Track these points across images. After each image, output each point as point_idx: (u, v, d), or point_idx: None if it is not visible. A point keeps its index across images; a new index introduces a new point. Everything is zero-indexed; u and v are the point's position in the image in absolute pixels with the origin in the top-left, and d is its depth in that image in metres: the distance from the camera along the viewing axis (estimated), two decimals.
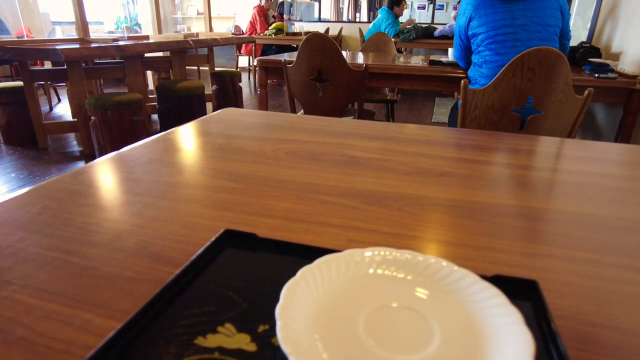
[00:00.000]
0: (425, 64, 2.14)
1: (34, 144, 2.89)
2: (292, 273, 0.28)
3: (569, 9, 1.69)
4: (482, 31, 1.66)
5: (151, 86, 4.34)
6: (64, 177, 0.53)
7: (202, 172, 0.55)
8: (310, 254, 0.34)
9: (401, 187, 0.51)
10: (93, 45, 2.59)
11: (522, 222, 0.44)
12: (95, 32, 3.29)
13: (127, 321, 0.26)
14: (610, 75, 1.80)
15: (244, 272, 0.32)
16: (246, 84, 5.69)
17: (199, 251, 0.33)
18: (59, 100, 4.46)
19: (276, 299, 0.26)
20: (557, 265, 0.37)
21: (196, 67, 5.36)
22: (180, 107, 3.02)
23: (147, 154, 0.62)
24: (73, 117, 2.92)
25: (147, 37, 3.36)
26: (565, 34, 1.70)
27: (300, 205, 0.46)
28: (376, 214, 0.44)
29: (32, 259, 0.35)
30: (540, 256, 0.38)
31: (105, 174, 0.55)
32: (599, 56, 2.16)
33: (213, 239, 0.35)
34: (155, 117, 3.56)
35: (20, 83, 2.91)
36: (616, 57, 2.22)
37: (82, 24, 2.88)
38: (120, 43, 2.75)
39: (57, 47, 2.37)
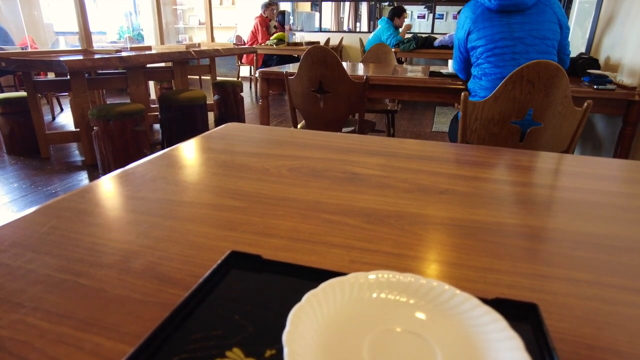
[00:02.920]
0: (425, 75, 2.16)
1: (37, 154, 2.91)
2: (297, 295, 0.29)
3: (568, 23, 1.71)
4: (481, 44, 1.68)
5: (153, 96, 4.37)
6: (71, 196, 0.54)
7: (207, 189, 0.56)
8: (315, 276, 0.34)
9: (402, 206, 0.52)
10: (96, 56, 2.62)
11: (522, 241, 0.45)
12: (97, 43, 3.33)
13: (138, 346, 0.26)
14: (609, 86, 1.82)
15: (249, 295, 0.33)
16: (247, 94, 5.73)
17: (206, 274, 0.34)
18: (62, 109, 4.50)
19: (282, 323, 0.27)
20: (557, 286, 0.37)
21: (198, 77, 5.40)
22: (182, 117, 3.05)
23: (152, 171, 0.63)
24: (75, 127, 2.94)
25: (149, 48, 3.40)
26: (563, 47, 1.71)
27: (303, 225, 0.46)
28: (378, 234, 0.45)
29: (42, 280, 0.36)
30: (540, 277, 0.39)
31: (111, 192, 0.56)
32: (598, 67, 2.18)
33: (219, 261, 0.36)
34: (157, 126, 3.59)
35: (23, 93, 2.94)
36: (615, 68, 2.24)
37: (85, 35, 2.92)
38: (123, 54, 2.78)
39: (61, 58, 2.40)
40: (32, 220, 0.47)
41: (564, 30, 1.67)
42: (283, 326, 0.26)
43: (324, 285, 0.30)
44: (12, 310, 0.32)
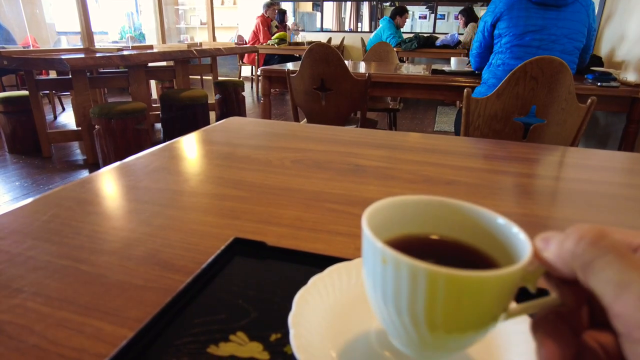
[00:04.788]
0: (428, 72, 2.15)
1: (38, 153, 2.91)
2: (302, 281, 0.28)
3: (596, 27, 1.71)
4: (508, 33, 1.65)
5: (154, 95, 4.37)
6: (72, 186, 0.53)
7: (209, 180, 0.56)
8: (320, 262, 0.34)
9: None
10: (98, 55, 2.62)
11: (529, 231, 0.44)
12: (99, 42, 3.33)
13: (140, 329, 0.26)
14: (613, 84, 1.81)
15: (253, 281, 0.32)
16: (249, 93, 5.73)
17: (209, 259, 0.34)
18: (63, 109, 4.50)
19: (287, 308, 0.26)
20: None
21: (199, 77, 5.41)
22: (183, 116, 3.04)
23: (154, 162, 0.62)
24: (77, 126, 2.94)
25: (151, 47, 3.40)
26: (587, 48, 1.70)
27: (307, 214, 0.46)
28: None
29: (42, 267, 0.35)
30: None
31: (112, 182, 0.55)
32: (601, 65, 2.17)
33: (223, 247, 0.35)
34: (158, 125, 3.59)
35: (25, 92, 2.94)
36: (618, 65, 2.23)
37: (87, 34, 2.92)
38: (125, 53, 2.78)
39: (63, 56, 2.40)
40: (32, 209, 0.47)
41: (591, 33, 1.66)
42: (288, 311, 0.25)
43: (329, 270, 0.30)
44: (12, 295, 0.31)
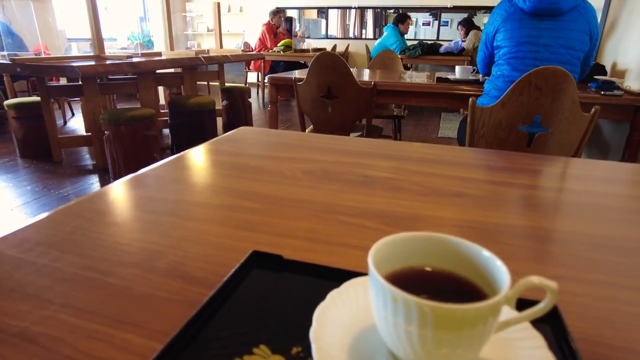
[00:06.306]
0: (432, 80, 2.17)
1: (49, 157, 2.95)
2: (319, 294, 0.30)
3: (598, 34, 1.66)
4: (505, 45, 1.66)
5: (162, 101, 4.42)
6: (91, 197, 0.55)
7: (223, 191, 0.57)
8: (335, 276, 0.35)
9: (417, 208, 0.53)
10: (108, 62, 2.67)
11: (536, 243, 0.46)
12: (108, 49, 3.39)
13: (168, 342, 0.27)
14: (617, 92, 1.81)
15: (272, 294, 0.34)
16: (255, 99, 5.77)
17: (230, 273, 0.35)
18: (73, 114, 4.56)
19: (306, 321, 0.28)
20: (572, 287, 0.38)
21: (206, 83, 5.46)
22: (191, 122, 3.08)
23: (169, 173, 0.64)
24: (87, 131, 2.98)
25: (159, 54, 3.45)
26: (587, 58, 1.66)
27: (320, 226, 0.47)
28: None
29: (69, 278, 0.37)
30: (556, 278, 0.39)
31: (130, 193, 0.57)
32: (605, 73, 2.18)
33: (242, 260, 0.37)
34: (166, 131, 3.62)
35: (36, 98, 2.99)
36: (621, 74, 2.23)
37: (98, 41, 2.97)
38: (134, 60, 2.82)
39: (74, 64, 2.45)
40: (54, 220, 0.48)
41: (593, 41, 1.63)
42: (306, 324, 0.27)
43: (346, 285, 0.31)
44: (43, 306, 0.33)
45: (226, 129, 3.83)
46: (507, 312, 0.29)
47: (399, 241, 0.28)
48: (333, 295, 0.30)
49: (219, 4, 4.36)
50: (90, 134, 2.79)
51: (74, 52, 4.60)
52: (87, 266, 0.39)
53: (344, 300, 0.30)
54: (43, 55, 3.21)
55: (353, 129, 2.06)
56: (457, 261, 0.28)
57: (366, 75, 2.46)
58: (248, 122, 3.88)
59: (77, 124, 4.22)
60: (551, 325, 0.31)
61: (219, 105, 3.74)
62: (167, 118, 3.24)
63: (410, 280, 0.27)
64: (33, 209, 2.16)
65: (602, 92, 1.81)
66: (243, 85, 5.27)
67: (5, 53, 3.03)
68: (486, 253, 0.27)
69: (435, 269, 0.28)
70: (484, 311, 0.23)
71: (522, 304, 0.32)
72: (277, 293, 0.34)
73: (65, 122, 4.24)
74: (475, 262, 0.27)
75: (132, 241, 0.43)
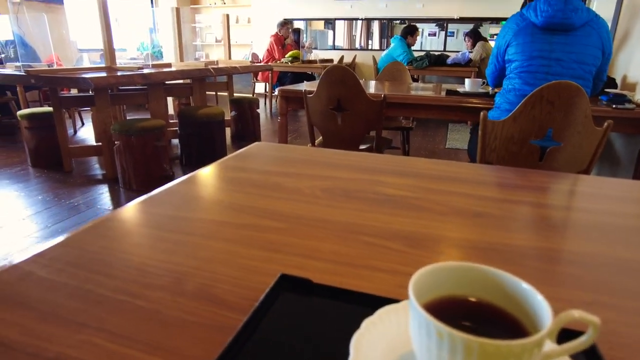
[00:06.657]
0: (441, 93, 2.18)
1: (60, 167, 2.98)
2: (351, 320, 0.30)
3: (612, 49, 1.64)
4: (517, 59, 1.66)
5: (171, 111, 4.47)
6: (114, 215, 0.56)
7: (244, 210, 0.58)
8: (365, 301, 0.35)
9: (438, 229, 0.53)
10: (119, 73, 2.71)
11: (561, 266, 0.45)
12: (119, 59, 3.44)
13: None
14: (628, 105, 1.81)
15: (302, 319, 0.34)
16: (262, 110, 5.82)
17: (261, 297, 0.35)
18: (83, 123, 4.63)
19: (339, 349, 0.28)
20: (602, 313, 0.37)
21: (214, 93, 5.52)
22: (200, 132, 3.11)
23: (189, 191, 0.65)
24: (97, 141, 3.02)
25: (169, 65, 3.50)
26: (600, 73, 1.66)
27: (345, 248, 0.47)
28: (420, 258, 0.46)
29: (101, 300, 0.37)
30: (584, 304, 0.39)
31: (151, 212, 0.58)
32: (615, 86, 2.18)
33: (272, 284, 0.37)
34: (175, 141, 3.66)
35: (48, 108, 3.04)
36: (632, 87, 2.22)
37: (109, 53, 3.02)
38: (145, 71, 2.87)
39: (87, 75, 2.49)
40: (81, 240, 0.49)
41: (606, 56, 1.62)
42: (341, 352, 0.27)
43: (379, 312, 0.31)
44: (78, 330, 0.33)
45: (235, 139, 3.86)
46: (547, 344, 0.29)
47: (437, 271, 0.29)
48: (367, 324, 0.30)
49: (228, 15, 4.43)
50: (100, 143, 2.82)
51: (85, 63, 4.69)
52: (117, 288, 0.39)
53: (379, 329, 0.30)
54: (55, 67, 3.27)
55: (362, 141, 2.07)
56: (495, 292, 0.28)
57: (375, 87, 2.48)
58: (256, 132, 3.91)
59: (86, 133, 4.28)
60: (585, 354, 0.31)
61: (228, 115, 3.78)
62: (177, 128, 3.28)
63: (449, 310, 0.27)
64: (44, 219, 2.18)
65: (614, 106, 1.81)
66: (251, 95, 5.32)
67: (19, 64, 3.09)
68: (525, 286, 0.27)
69: (474, 300, 0.29)
70: (529, 346, 0.23)
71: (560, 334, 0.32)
72: (307, 318, 0.34)
73: (75, 132, 4.29)
74: (514, 294, 0.27)
75: (159, 262, 0.44)
